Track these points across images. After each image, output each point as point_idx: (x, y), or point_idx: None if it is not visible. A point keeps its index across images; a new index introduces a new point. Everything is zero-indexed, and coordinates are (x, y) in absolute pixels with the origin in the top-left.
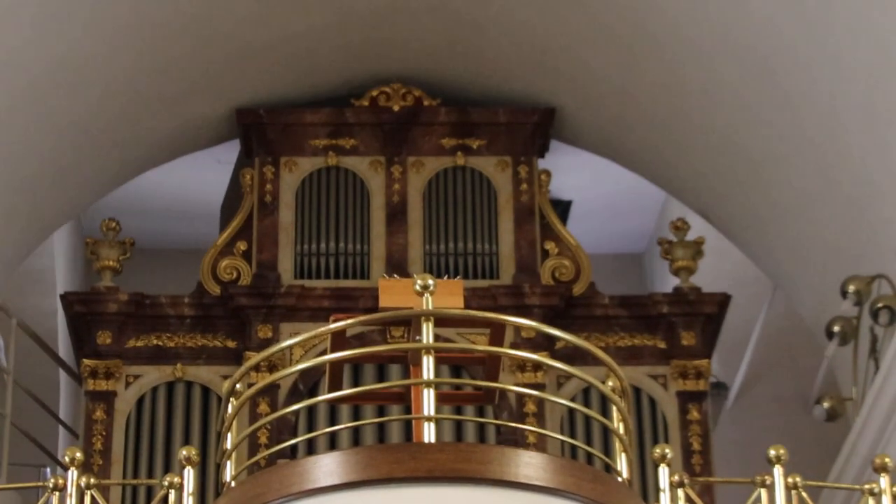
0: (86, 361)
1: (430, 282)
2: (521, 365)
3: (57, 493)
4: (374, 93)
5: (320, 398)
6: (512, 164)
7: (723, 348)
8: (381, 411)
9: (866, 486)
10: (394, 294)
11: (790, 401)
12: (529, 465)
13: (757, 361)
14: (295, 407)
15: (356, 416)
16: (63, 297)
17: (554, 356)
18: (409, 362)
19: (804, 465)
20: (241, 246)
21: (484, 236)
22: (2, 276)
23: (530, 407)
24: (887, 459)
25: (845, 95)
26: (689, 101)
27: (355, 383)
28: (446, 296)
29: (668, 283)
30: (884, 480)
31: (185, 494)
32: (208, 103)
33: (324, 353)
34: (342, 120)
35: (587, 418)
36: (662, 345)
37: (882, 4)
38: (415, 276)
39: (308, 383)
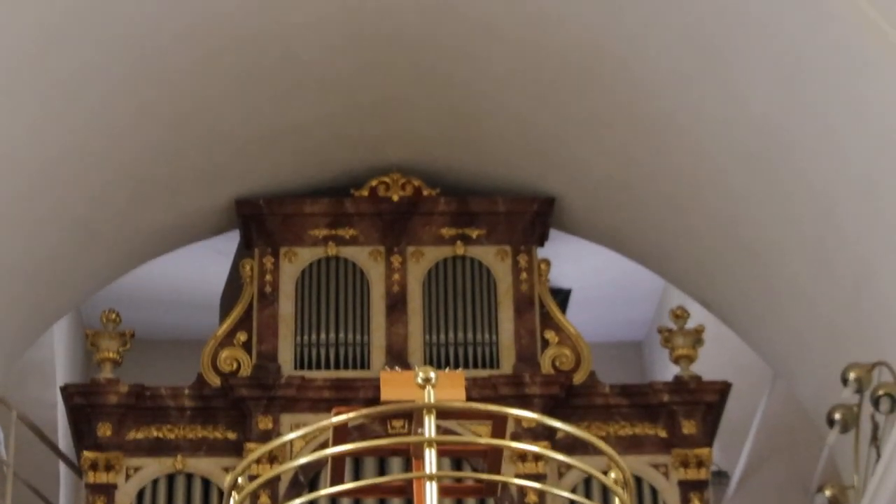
0: (86, 454)
1: (432, 374)
2: (522, 455)
3: None
4: (374, 183)
5: (321, 492)
6: (511, 253)
7: (724, 436)
8: None
9: None
10: (395, 386)
11: (792, 489)
12: None
13: (758, 449)
14: (297, 502)
15: None
16: (63, 389)
17: (555, 446)
18: (410, 455)
19: None
20: (241, 337)
21: (484, 326)
22: (2, 368)
23: (531, 497)
24: None
25: (841, 181)
26: (687, 190)
27: (356, 475)
28: (448, 388)
29: (669, 370)
30: None
31: None
32: (208, 194)
33: (325, 444)
34: (342, 210)
35: None
36: (663, 433)
37: (878, 91)
38: (416, 368)
39: (309, 474)
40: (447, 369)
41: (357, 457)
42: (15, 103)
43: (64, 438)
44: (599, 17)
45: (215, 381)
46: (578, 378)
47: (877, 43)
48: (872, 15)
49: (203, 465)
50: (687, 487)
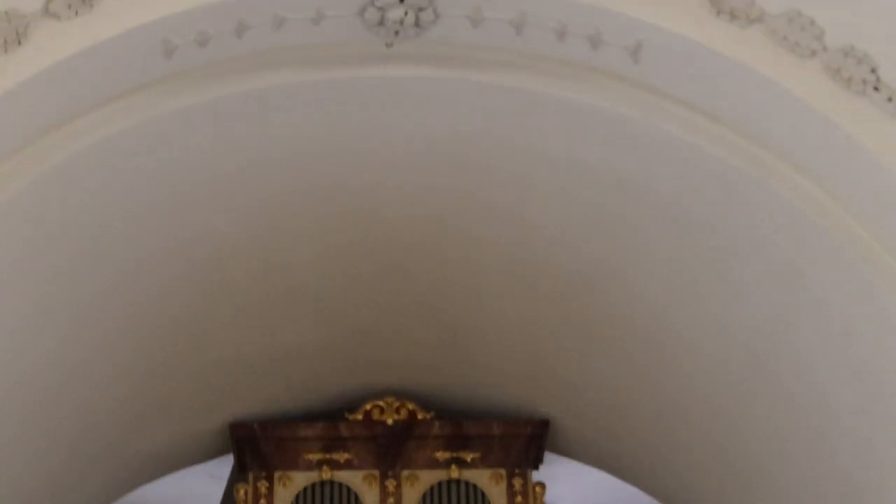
0: None
1: None
2: None
3: None
4: (368, 406)
5: None
6: (506, 476)
7: None
8: None
9: None
10: None
11: None
12: None
13: None
14: None
15: None
16: None
17: None
18: None
19: None
20: None
21: None
22: None
23: None
24: None
25: (840, 398)
26: (683, 413)
27: None
28: None
29: None
30: None
31: None
32: (202, 418)
33: None
34: (336, 434)
35: None
36: None
37: (877, 311)
38: None
39: None
40: None
41: None
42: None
43: None
44: (594, 235)
45: None
46: None
47: (874, 266)
48: (868, 239)
49: None
50: None
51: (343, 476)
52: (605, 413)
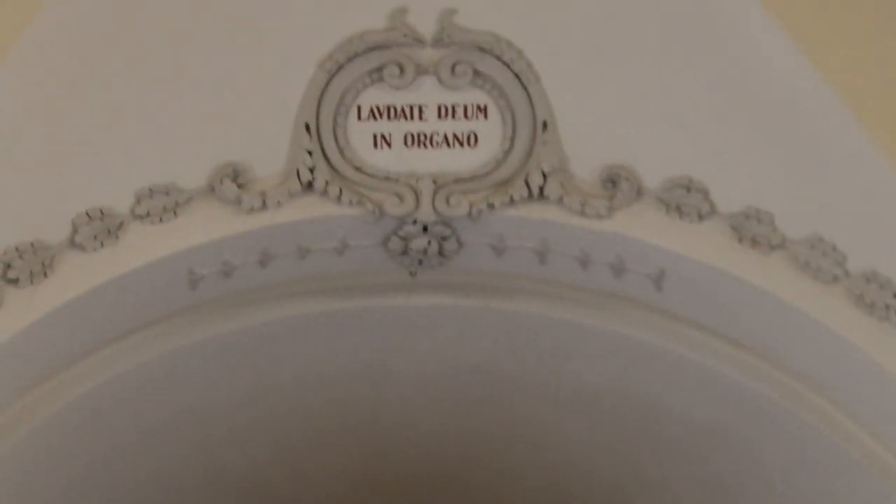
0: None
1: None
2: None
3: None
4: None
5: None
6: None
7: None
8: None
9: None
10: None
11: None
12: None
13: None
14: None
15: None
16: None
17: None
18: None
19: None
20: None
21: None
22: None
23: None
24: None
25: None
26: None
27: None
28: None
29: None
30: None
31: None
32: None
33: None
34: None
35: None
36: None
37: None
38: None
39: None
40: None
41: None
42: None
43: None
44: (619, 459)
45: None
46: None
47: (887, 478)
48: (880, 451)
49: None
50: None
51: None
52: None
